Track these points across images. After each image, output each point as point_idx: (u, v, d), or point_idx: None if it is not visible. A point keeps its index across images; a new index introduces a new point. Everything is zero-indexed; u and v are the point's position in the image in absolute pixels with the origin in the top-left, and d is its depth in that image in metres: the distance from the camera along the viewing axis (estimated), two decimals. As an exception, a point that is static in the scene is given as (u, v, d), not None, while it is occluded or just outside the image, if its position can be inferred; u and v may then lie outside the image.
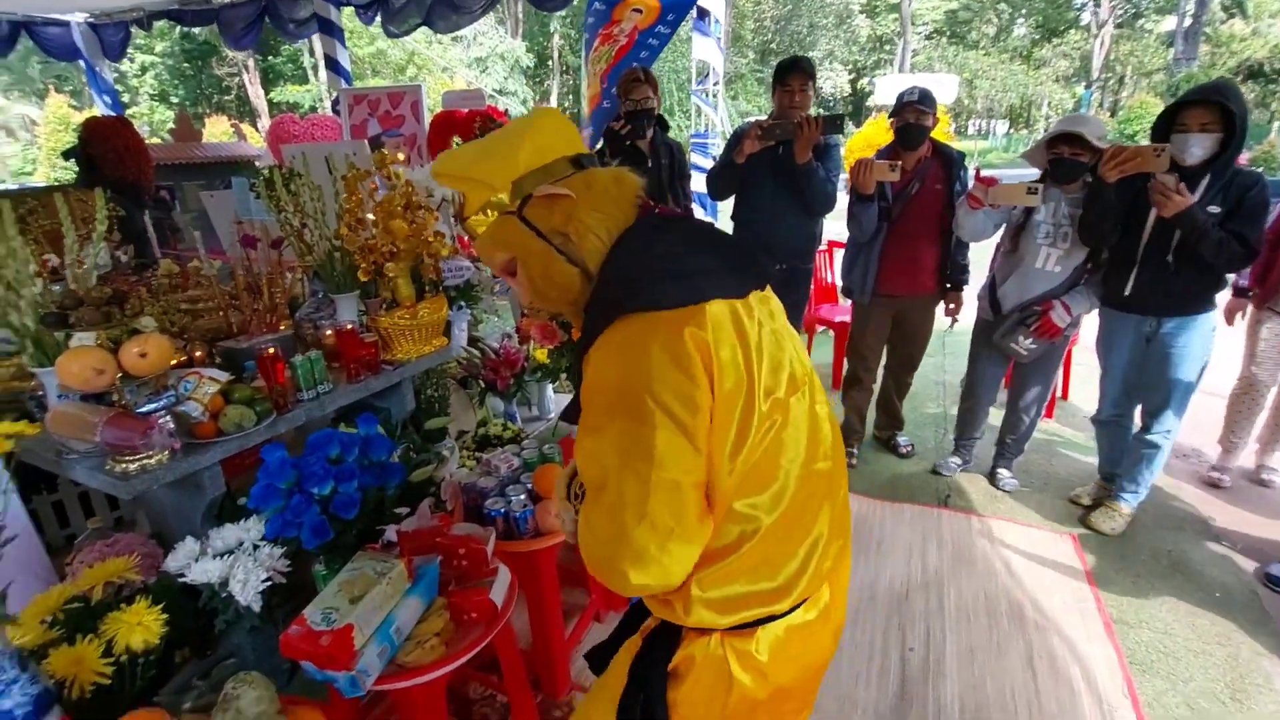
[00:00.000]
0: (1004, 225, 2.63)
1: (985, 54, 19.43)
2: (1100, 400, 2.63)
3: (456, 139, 4.22)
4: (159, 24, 6.11)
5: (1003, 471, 2.95)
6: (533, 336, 2.59)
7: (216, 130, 12.82)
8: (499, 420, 2.60)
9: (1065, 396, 3.82)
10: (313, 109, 17.69)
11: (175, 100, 20.07)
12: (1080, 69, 19.20)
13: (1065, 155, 2.34)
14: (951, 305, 2.93)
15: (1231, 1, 15.78)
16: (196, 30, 8.59)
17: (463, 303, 2.54)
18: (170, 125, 9.06)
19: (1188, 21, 16.74)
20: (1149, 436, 2.44)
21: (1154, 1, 19.06)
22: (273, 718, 0.92)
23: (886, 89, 12.52)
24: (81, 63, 6.30)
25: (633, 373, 0.78)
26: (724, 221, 5.14)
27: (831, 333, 4.26)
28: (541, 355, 2.85)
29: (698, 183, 4.20)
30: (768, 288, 0.93)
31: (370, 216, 2.04)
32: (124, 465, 1.34)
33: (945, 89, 11.34)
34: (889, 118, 2.76)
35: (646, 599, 0.92)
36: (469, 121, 4.18)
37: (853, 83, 26.26)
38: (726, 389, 0.79)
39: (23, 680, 0.95)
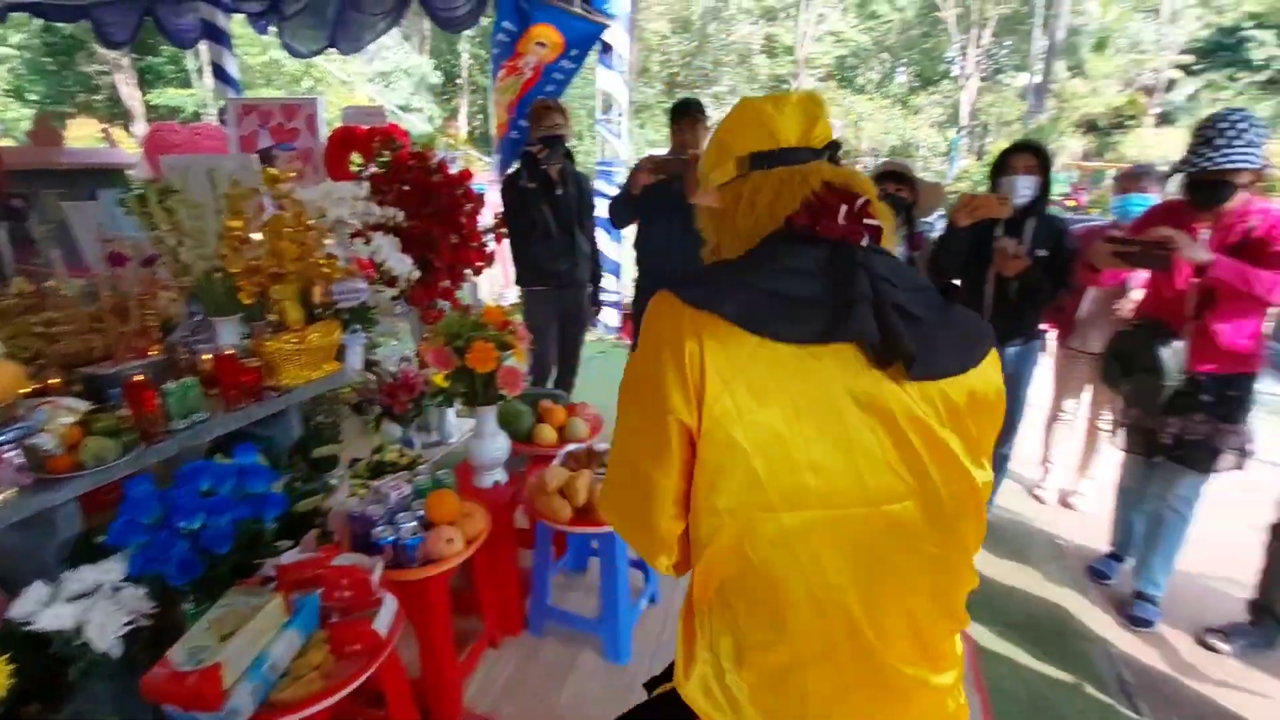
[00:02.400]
0: None
1: (870, 99, 21.08)
2: None
3: (355, 156, 4.11)
4: (16, 15, 5.59)
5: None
6: (429, 361, 2.56)
7: (82, 133, 11.67)
8: (395, 446, 2.54)
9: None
10: (196, 115, 16.52)
11: (33, 97, 18.12)
12: (952, 116, 21.24)
13: (890, 191, 2.48)
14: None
15: (1073, 64, 17.99)
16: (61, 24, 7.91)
17: (358, 325, 2.49)
18: (26, 125, 8.19)
19: (1038, 79, 18.95)
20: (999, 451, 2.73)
21: (1011, 59, 21.47)
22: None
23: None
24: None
25: (638, 353, 0.83)
26: (627, 248, 5.22)
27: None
28: (440, 380, 2.81)
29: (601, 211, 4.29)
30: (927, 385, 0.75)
31: (257, 237, 1.98)
32: (-40, 504, 1.23)
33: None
34: None
35: None
36: (368, 139, 4.07)
37: (755, 117, 27.46)
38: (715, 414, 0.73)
39: None
